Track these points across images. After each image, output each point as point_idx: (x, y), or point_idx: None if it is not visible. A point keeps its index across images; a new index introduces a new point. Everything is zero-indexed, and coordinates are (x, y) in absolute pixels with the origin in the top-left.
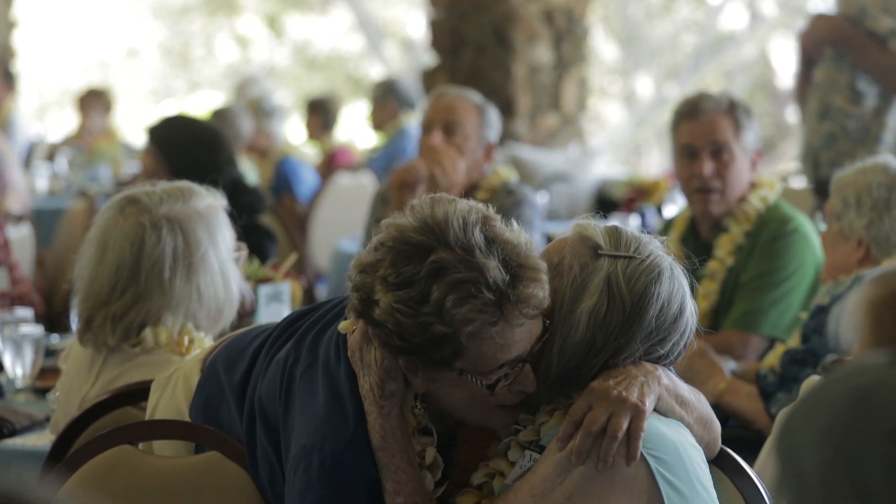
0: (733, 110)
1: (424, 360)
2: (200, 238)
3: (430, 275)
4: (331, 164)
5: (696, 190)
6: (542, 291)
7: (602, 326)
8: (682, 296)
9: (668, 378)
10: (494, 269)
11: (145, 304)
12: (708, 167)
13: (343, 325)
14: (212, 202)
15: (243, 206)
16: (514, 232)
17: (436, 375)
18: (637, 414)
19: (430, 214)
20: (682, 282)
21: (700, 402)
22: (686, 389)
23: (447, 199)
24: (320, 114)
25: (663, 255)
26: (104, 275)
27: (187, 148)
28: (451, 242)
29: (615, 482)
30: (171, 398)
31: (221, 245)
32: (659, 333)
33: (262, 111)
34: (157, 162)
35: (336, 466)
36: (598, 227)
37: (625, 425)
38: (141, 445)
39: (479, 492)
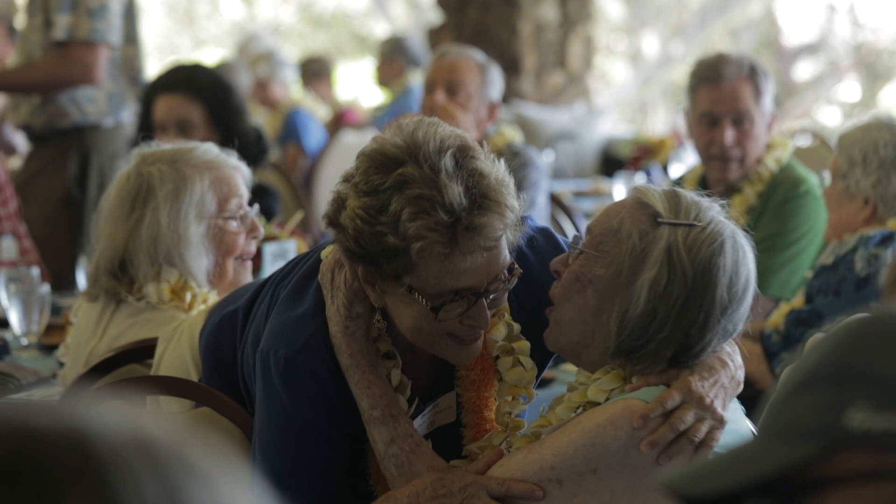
0: (754, 75)
1: (378, 270)
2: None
3: (394, 186)
4: (339, 122)
5: (715, 157)
6: (500, 225)
7: (663, 299)
8: (747, 263)
9: (733, 365)
10: (455, 193)
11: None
12: (729, 136)
13: (325, 251)
14: (213, 158)
15: (254, 157)
16: (491, 166)
17: (388, 289)
18: (717, 426)
19: (410, 133)
20: (746, 248)
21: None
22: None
23: (435, 122)
24: (320, 75)
25: (724, 220)
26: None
27: (224, 96)
28: (420, 160)
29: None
30: (175, 349)
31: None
32: (733, 306)
33: (275, 61)
34: (196, 112)
35: (290, 367)
36: (656, 192)
37: (704, 433)
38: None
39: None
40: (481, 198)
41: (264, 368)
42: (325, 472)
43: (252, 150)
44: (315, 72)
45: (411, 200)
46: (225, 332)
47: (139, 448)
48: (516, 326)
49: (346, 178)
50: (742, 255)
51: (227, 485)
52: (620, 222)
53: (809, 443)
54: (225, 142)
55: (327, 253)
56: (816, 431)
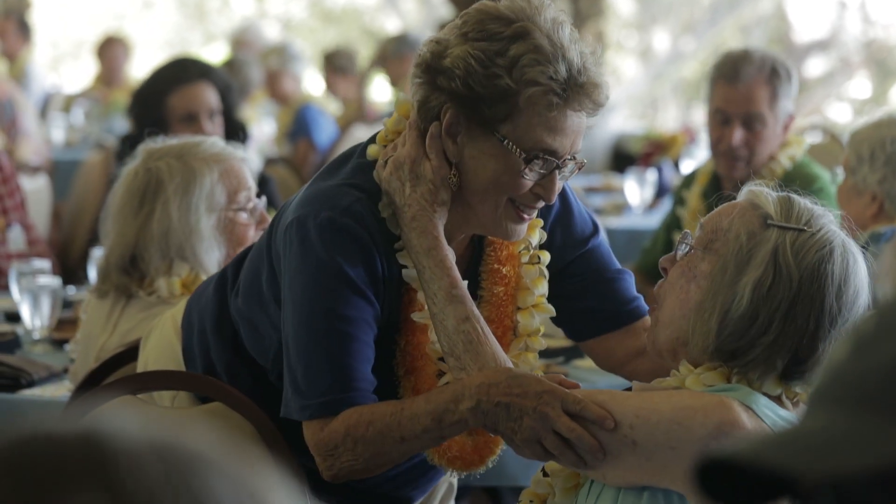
0: (773, 78)
1: (475, 114)
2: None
3: (514, 35)
4: (353, 118)
5: (723, 154)
6: (604, 94)
7: (766, 301)
8: (858, 272)
9: None
10: (574, 53)
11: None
12: (737, 136)
13: (372, 150)
14: (221, 151)
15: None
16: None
17: (475, 140)
18: None
19: (522, 4)
20: (858, 258)
21: None
22: None
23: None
24: (340, 68)
25: (836, 230)
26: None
27: (231, 86)
28: (539, 22)
29: None
30: (160, 335)
31: (204, 199)
32: (843, 315)
33: (287, 55)
34: (217, 101)
35: (334, 226)
36: (770, 195)
37: None
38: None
39: None
40: (594, 66)
41: (301, 234)
42: (357, 337)
43: (240, 139)
44: (340, 67)
45: (533, 48)
46: (212, 289)
47: (154, 449)
48: (544, 235)
49: (437, 40)
50: (852, 263)
51: (247, 482)
52: (731, 222)
53: None
54: (227, 132)
55: (375, 153)
56: None
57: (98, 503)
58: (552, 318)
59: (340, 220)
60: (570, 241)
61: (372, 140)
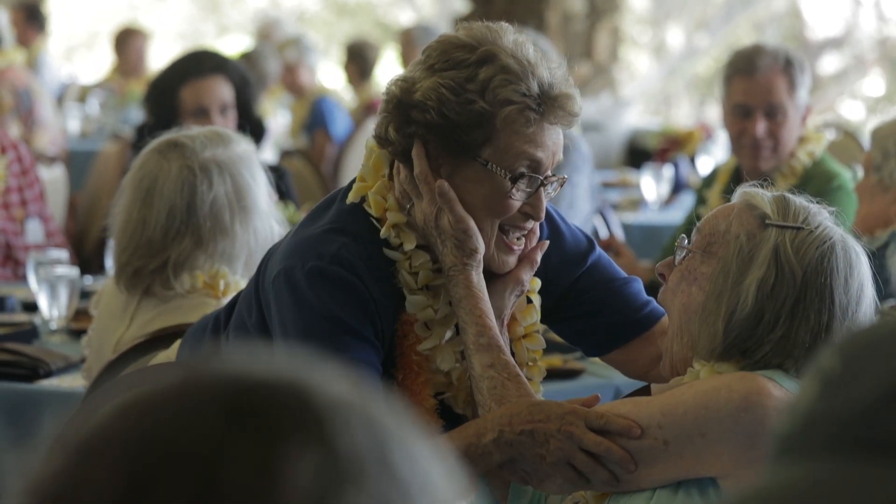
0: (789, 68)
1: (454, 142)
2: (248, 181)
3: (481, 60)
4: (367, 111)
5: (748, 146)
6: (577, 104)
7: (770, 299)
8: (860, 266)
9: None
10: (543, 68)
11: (207, 249)
12: (761, 128)
13: (352, 195)
14: (247, 146)
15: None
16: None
17: (460, 168)
18: None
19: (484, 27)
20: (858, 251)
21: None
22: None
23: (503, 25)
24: (358, 61)
25: (833, 226)
26: (153, 221)
27: (248, 80)
28: (502, 44)
29: None
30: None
31: (263, 188)
32: (852, 307)
33: (302, 46)
34: (231, 95)
35: (322, 276)
36: (765, 195)
37: None
38: None
39: None
40: (563, 78)
41: (291, 285)
42: (368, 376)
43: (259, 136)
44: (363, 59)
45: (501, 69)
46: (209, 331)
47: (355, 403)
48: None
49: (403, 78)
50: (854, 257)
51: (426, 453)
52: (728, 224)
53: None
54: (242, 127)
55: (355, 196)
56: None
57: (315, 458)
58: (568, 340)
59: (329, 269)
60: (568, 259)
61: (352, 184)
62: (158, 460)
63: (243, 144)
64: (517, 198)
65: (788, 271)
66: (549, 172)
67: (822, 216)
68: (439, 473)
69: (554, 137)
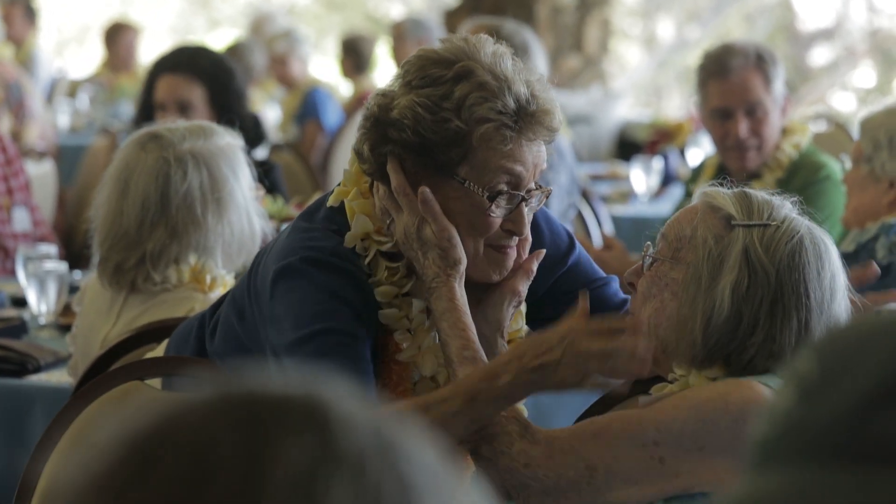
0: (762, 64)
1: (431, 161)
2: (225, 174)
3: (457, 76)
4: (360, 103)
5: (732, 148)
6: (557, 118)
7: (747, 301)
8: (830, 256)
9: None
10: (519, 84)
11: (181, 241)
12: (743, 128)
13: (332, 199)
14: (231, 140)
15: (251, 140)
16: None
17: (438, 186)
18: None
19: (460, 42)
20: (826, 241)
21: None
22: None
23: (483, 36)
24: (353, 55)
25: (798, 217)
26: (129, 212)
27: (226, 78)
28: (480, 58)
29: None
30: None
31: (244, 182)
32: (827, 298)
33: (293, 39)
34: (196, 93)
35: (320, 263)
36: (726, 194)
37: None
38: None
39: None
40: (541, 92)
41: (288, 276)
42: (362, 356)
43: (249, 135)
44: (359, 52)
45: (477, 86)
46: (194, 335)
47: (371, 425)
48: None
49: (383, 93)
50: (823, 248)
51: (448, 481)
52: (694, 228)
53: None
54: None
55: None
56: None
57: (308, 445)
58: None
59: (326, 259)
60: (548, 261)
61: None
62: (157, 444)
63: (227, 138)
64: (497, 214)
65: (761, 272)
66: (531, 185)
67: (785, 208)
68: (444, 476)
69: (533, 153)
